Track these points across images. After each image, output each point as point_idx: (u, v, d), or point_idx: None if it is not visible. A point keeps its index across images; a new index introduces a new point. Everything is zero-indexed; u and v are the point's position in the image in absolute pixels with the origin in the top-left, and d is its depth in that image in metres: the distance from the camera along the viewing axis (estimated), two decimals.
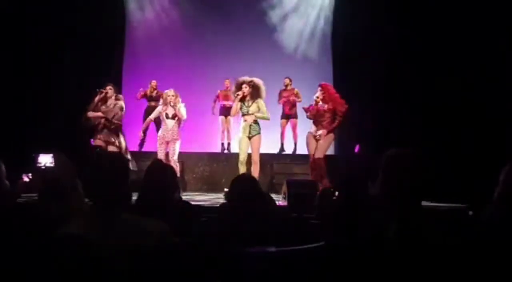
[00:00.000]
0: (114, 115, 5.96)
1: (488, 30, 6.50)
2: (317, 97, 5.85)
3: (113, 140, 5.92)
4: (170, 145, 6.10)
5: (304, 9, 9.17)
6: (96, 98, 5.89)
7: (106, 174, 1.59)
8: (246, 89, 5.73)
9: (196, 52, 8.60)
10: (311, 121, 6.00)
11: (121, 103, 6.04)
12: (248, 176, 2.44)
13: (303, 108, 6.11)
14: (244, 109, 5.81)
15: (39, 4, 7.31)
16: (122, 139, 6.05)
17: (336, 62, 8.72)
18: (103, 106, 5.94)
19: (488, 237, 1.59)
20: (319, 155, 5.73)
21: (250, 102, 5.77)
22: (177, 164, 6.07)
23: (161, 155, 6.01)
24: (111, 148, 5.88)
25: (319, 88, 5.90)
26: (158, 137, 6.19)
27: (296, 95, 7.79)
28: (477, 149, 6.33)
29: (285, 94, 7.80)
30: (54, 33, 7.29)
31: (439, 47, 7.14)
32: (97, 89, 5.93)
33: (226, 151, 8.00)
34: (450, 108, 6.90)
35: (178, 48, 8.69)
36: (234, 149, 7.41)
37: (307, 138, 5.95)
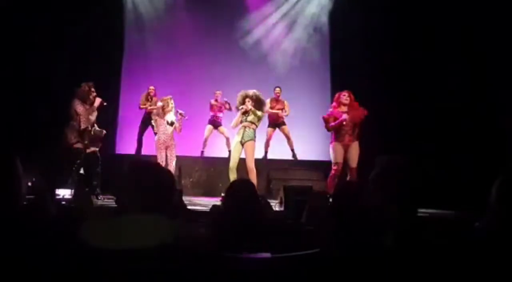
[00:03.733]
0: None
1: (488, 28, 6.48)
2: (345, 97, 5.85)
3: (93, 144, 5.97)
4: (168, 150, 6.21)
5: (300, 13, 9.20)
6: (96, 104, 5.91)
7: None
8: (249, 103, 5.85)
9: (194, 55, 8.60)
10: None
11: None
12: (245, 181, 2.43)
13: (323, 117, 5.99)
14: (243, 118, 5.92)
15: (36, 5, 7.31)
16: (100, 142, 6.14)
17: (334, 65, 8.74)
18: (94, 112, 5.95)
19: (485, 245, 1.59)
20: (354, 164, 5.73)
21: (250, 113, 5.88)
22: (174, 169, 6.19)
23: (161, 159, 6.11)
24: (92, 148, 5.96)
25: (347, 94, 5.87)
26: (157, 142, 6.26)
27: (284, 109, 7.59)
28: (477, 153, 6.33)
29: (273, 104, 7.55)
30: (48, 34, 7.28)
31: (438, 47, 7.15)
32: (105, 103, 6.01)
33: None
34: (450, 110, 6.89)
35: (177, 51, 8.69)
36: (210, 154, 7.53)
37: (333, 147, 5.87)
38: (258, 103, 5.91)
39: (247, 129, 5.84)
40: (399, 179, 1.65)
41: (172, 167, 6.04)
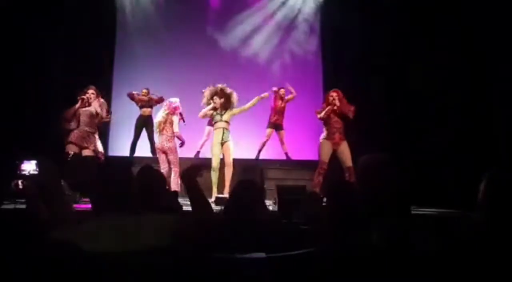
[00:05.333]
0: (94, 119, 5.89)
1: (488, 28, 6.47)
2: (333, 99, 5.83)
3: (86, 144, 5.79)
4: (167, 154, 6.18)
5: (292, 11, 9.19)
6: (77, 105, 5.76)
7: (111, 181, 1.64)
8: (217, 101, 6.04)
9: (187, 55, 8.58)
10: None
11: (95, 109, 5.92)
12: (253, 181, 2.43)
13: (316, 111, 6.01)
14: (217, 117, 6.08)
15: (29, 6, 7.25)
16: (98, 143, 5.96)
17: (327, 65, 8.75)
18: (83, 109, 5.82)
19: (474, 244, 1.60)
20: (350, 163, 5.72)
21: (223, 111, 6.08)
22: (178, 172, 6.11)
23: (161, 163, 6.14)
24: (86, 152, 5.79)
25: (335, 94, 5.86)
26: (156, 146, 6.29)
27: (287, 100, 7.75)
28: (474, 153, 6.35)
29: (278, 103, 7.70)
30: (41, 32, 7.23)
31: (438, 47, 7.12)
32: (78, 97, 5.79)
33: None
34: (447, 110, 6.90)
35: (169, 52, 8.66)
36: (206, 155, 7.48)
37: (322, 144, 5.86)
38: (227, 99, 6.06)
39: (225, 131, 6.04)
40: (379, 177, 1.66)
41: (175, 170, 6.03)
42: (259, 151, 7.86)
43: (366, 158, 1.74)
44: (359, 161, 1.76)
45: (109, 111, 6.19)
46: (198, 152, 7.84)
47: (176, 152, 6.16)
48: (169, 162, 6.13)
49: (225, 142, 6.02)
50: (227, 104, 6.08)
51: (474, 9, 6.50)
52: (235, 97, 6.14)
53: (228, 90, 6.15)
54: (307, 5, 9.15)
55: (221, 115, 6.07)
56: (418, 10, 7.27)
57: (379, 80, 7.60)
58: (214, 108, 6.07)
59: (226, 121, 6.08)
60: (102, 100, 6.07)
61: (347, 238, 1.61)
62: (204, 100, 6.25)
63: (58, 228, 1.63)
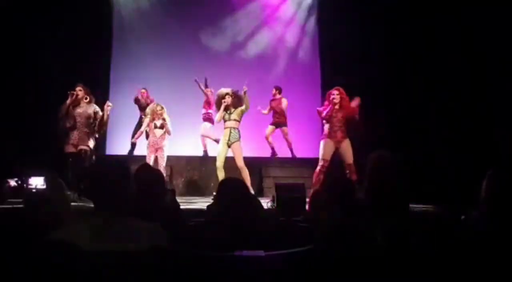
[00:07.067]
0: (92, 120, 5.88)
1: (488, 28, 6.46)
2: (334, 98, 5.74)
3: (83, 142, 5.79)
4: (158, 151, 6.35)
5: (290, 11, 9.19)
6: (68, 101, 5.75)
7: (107, 179, 1.64)
8: (229, 99, 5.99)
9: (185, 55, 8.59)
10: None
11: (96, 107, 5.91)
12: (236, 179, 2.45)
13: (318, 110, 5.93)
14: (226, 117, 6.06)
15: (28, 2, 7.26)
16: (92, 141, 5.93)
17: (324, 64, 8.76)
18: (78, 109, 5.82)
19: (474, 242, 1.60)
20: (351, 160, 5.70)
21: (232, 110, 6.04)
22: (165, 170, 6.34)
23: (150, 160, 6.22)
24: (81, 147, 5.80)
25: (336, 92, 5.77)
26: (148, 145, 6.45)
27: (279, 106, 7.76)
28: (472, 151, 6.35)
29: (273, 104, 7.77)
30: (41, 32, 7.23)
31: (438, 47, 7.14)
32: (68, 92, 5.79)
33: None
34: (445, 110, 6.90)
35: (167, 52, 8.65)
36: (212, 153, 7.48)
37: (324, 143, 5.81)
38: (237, 98, 6.04)
39: (232, 131, 5.98)
40: (387, 174, 1.66)
41: (162, 168, 6.14)
42: (272, 148, 7.90)
43: (374, 155, 1.74)
44: (368, 158, 1.76)
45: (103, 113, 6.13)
46: (205, 151, 7.85)
47: (163, 151, 6.35)
48: (156, 160, 6.25)
49: (232, 142, 5.95)
50: (236, 103, 6.03)
51: (474, 9, 6.49)
52: (247, 99, 6.02)
53: (239, 92, 6.11)
54: (305, 3, 9.15)
55: (230, 114, 6.03)
56: (418, 10, 7.27)
57: (378, 80, 7.59)
58: (226, 107, 6.03)
59: (235, 120, 6.01)
60: (93, 99, 6.02)
61: (347, 237, 1.61)
62: (216, 100, 6.24)
63: (57, 228, 1.63)
